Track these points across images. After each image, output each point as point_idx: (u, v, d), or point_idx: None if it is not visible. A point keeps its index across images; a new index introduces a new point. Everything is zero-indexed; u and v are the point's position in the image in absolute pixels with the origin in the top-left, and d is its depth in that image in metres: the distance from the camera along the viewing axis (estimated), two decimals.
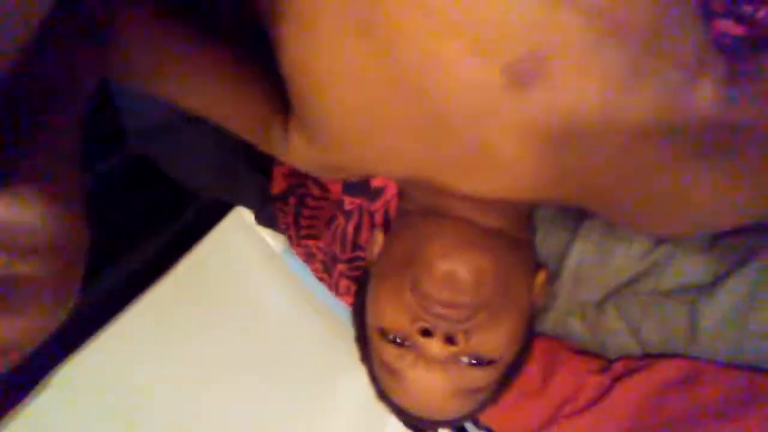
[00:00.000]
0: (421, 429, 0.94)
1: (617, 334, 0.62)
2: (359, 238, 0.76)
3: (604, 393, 0.63)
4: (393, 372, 0.56)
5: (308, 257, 0.84)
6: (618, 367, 0.63)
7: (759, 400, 0.53)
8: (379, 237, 0.63)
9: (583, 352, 0.67)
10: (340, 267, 0.79)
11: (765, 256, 0.52)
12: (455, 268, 0.50)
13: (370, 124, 0.43)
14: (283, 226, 0.82)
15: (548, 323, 0.68)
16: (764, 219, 0.41)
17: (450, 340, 0.51)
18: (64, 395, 0.81)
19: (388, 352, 0.55)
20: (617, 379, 0.63)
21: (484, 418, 0.85)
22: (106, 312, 0.83)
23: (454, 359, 0.53)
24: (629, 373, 0.62)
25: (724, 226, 0.44)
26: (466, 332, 0.51)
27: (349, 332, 0.71)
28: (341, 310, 0.91)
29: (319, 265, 0.83)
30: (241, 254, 1.04)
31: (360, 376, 0.69)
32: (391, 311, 0.54)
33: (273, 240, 1.06)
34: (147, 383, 0.86)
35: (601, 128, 0.39)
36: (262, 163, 0.77)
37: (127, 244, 0.84)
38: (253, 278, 1.06)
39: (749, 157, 0.38)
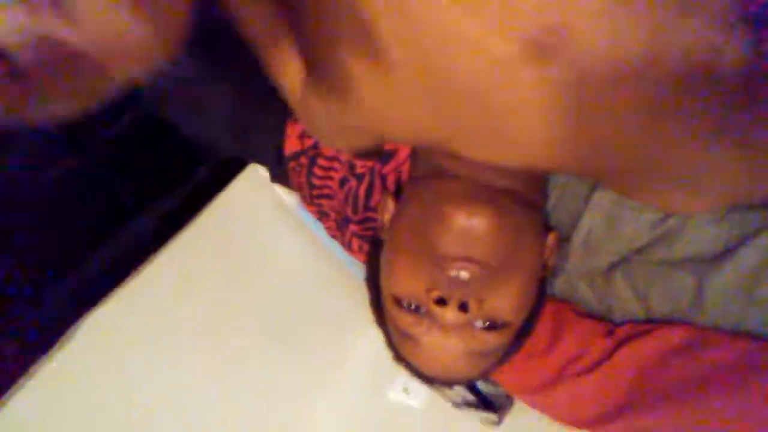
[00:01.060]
0: (436, 386, 0.97)
1: (624, 300, 0.63)
2: (371, 201, 0.76)
3: (608, 355, 0.64)
4: (408, 337, 0.58)
5: (321, 215, 0.85)
6: (623, 331, 0.64)
7: (762, 368, 0.54)
8: (390, 203, 0.64)
9: (589, 315, 0.68)
10: (353, 227, 0.80)
11: None
12: (470, 220, 0.51)
13: (388, 85, 0.44)
14: (296, 186, 0.82)
15: (557, 287, 0.69)
16: None
17: (464, 307, 0.52)
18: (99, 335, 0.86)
19: (403, 319, 0.57)
20: (622, 343, 0.64)
21: (493, 375, 0.88)
22: (123, 268, 0.86)
23: (469, 325, 0.54)
24: (634, 337, 0.63)
25: (738, 202, 0.43)
26: (479, 299, 0.52)
27: (362, 287, 0.73)
28: (355, 266, 0.93)
29: (332, 224, 0.84)
30: (256, 209, 1.06)
31: (369, 331, 0.72)
32: (405, 280, 0.55)
33: (287, 196, 1.07)
34: (165, 336, 0.90)
35: (621, 96, 0.38)
36: (276, 123, 0.77)
37: (141, 200, 0.86)
38: (268, 232, 1.08)
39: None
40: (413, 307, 0.55)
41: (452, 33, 0.38)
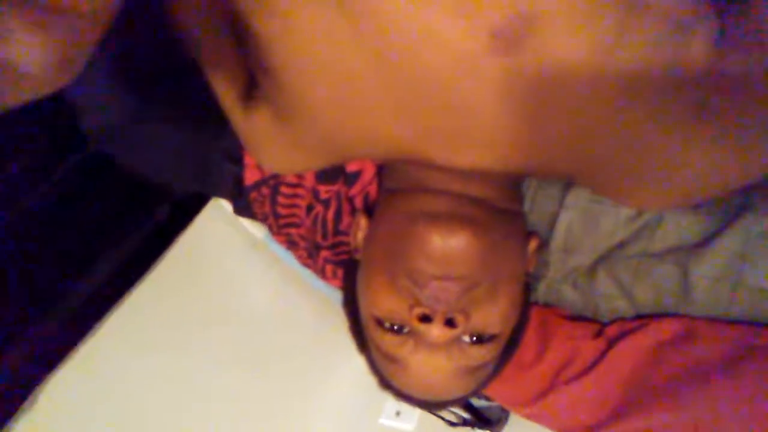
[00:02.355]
0: (427, 409, 0.94)
1: (610, 297, 0.62)
2: (340, 225, 0.73)
3: (601, 356, 0.63)
4: (394, 360, 0.54)
5: (291, 245, 0.81)
6: (612, 330, 0.63)
7: (754, 354, 0.53)
8: (362, 221, 0.61)
9: (576, 318, 0.66)
10: (324, 253, 0.77)
11: (753, 213, 0.51)
12: (448, 241, 0.48)
13: (349, 96, 0.42)
14: (261, 216, 0.79)
15: (540, 292, 0.67)
16: (753, 181, 0.39)
17: (450, 322, 0.49)
18: (59, 399, 0.80)
19: (387, 341, 0.53)
20: (612, 342, 0.62)
21: (485, 391, 0.85)
22: (87, 318, 0.81)
23: (456, 340, 0.52)
24: (624, 335, 0.61)
25: (713, 194, 0.42)
26: (464, 312, 0.50)
27: (341, 313, 0.70)
28: (331, 292, 0.90)
29: (302, 252, 0.81)
30: (223, 244, 1.02)
31: (354, 357, 0.68)
32: (385, 299, 0.52)
33: (254, 227, 1.04)
34: (140, 381, 0.85)
35: (590, 87, 0.37)
36: (233, 153, 0.74)
37: (101, 246, 0.82)
38: (238, 267, 1.04)
39: (740, 117, 0.36)
40: (396, 327, 0.52)
41: (415, 28, 0.36)
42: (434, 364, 0.52)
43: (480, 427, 0.93)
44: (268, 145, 0.55)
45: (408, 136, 0.44)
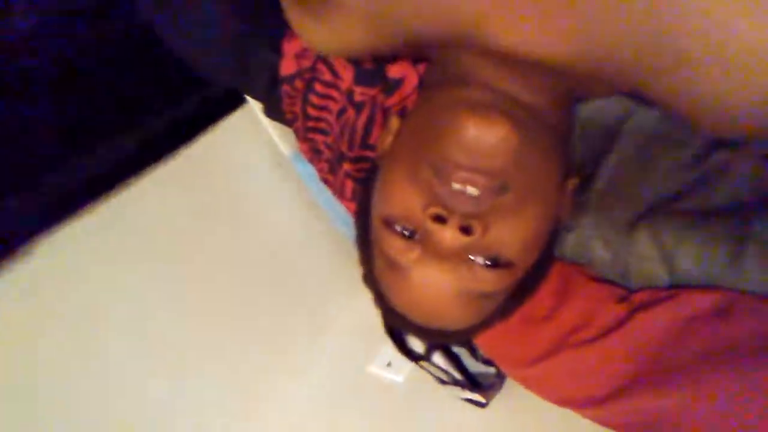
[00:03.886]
0: (421, 337, 0.89)
1: (646, 260, 0.55)
2: (369, 137, 0.69)
3: (619, 324, 0.57)
4: (396, 268, 0.49)
5: (314, 154, 0.77)
6: (639, 297, 0.56)
7: None
8: (395, 122, 0.56)
9: (601, 279, 0.60)
10: (347, 166, 0.72)
11: None
12: (484, 130, 0.43)
13: None
14: (290, 115, 0.75)
15: (568, 245, 0.61)
16: None
17: (465, 229, 0.44)
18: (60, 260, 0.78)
19: (393, 245, 0.48)
20: (636, 310, 0.56)
21: (484, 348, 0.80)
22: (101, 188, 0.78)
23: (467, 255, 0.46)
24: (652, 303, 0.55)
25: None
26: (484, 221, 0.44)
27: (349, 251, 0.65)
28: (346, 226, 0.86)
29: (324, 165, 0.77)
30: (248, 153, 0.99)
31: (353, 301, 0.64)
32: (401, 195, 0.47)
33: (283, 143, 1.00)
34: (129, 276, 0.82)
35: None
36: (273, 40, 0.69)
37: (123, 119, 0.79)
38: (257, 179, 1.01)
39: None
40: (406, 230, 0.47)
41: None
42: (438, 278, 0.47)
43: (470, 390, 0.89)
44: (317, 13, 0.51)
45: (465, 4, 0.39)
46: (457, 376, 0.91)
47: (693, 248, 0.52)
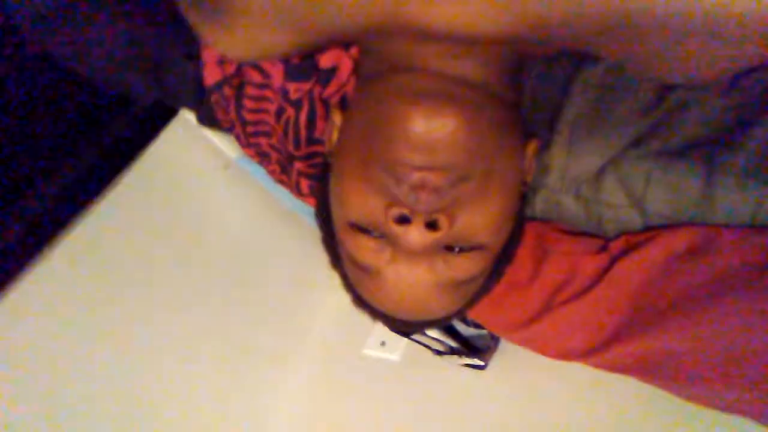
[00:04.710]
0: (407, 332, 0.88)
1: (617, 208, 0.54)
2: (314, 131, 0.65)
3: (602, 274, 0.56)
4: (369, 271, 0.48)
5: (262, 158, 0.73)
6: (617, 245, 0.56)
7: None
8: (337, 117, 0.52)
9: (576, 233, 0.59)
10: (298, 165, 0.69)
11: None
12: (432, 122, 0.40)
13: None
14: (226, 124, 0.70)
15: (537, 205, 0.59)
16: None
17: (431, 225, 0.42)
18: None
19: (362, 248, 0.46)
20: (616, 258, 0.56)
21: (474, 317, 0.79)
22: (37, 241, 0.73)
23: (438, 247, 0.45)
24: (631, 248, 0.55)
25: None
26: (449, 213, 0.42)
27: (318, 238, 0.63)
28: (308, 215, 0.83)
29: (275, 166, 0.73)
30: (191, 164, 0.93)
31: (337, 287, 0.62)
32: (359, 199, 0.45)
33: (225, 146, 0.95)
34: (95, 309, 0.78)
35: None
36: (189, 49, 0.64)
37: (52, 164, 0.73)
38: (209, 190, 0.96)
39: None
40: (372, 231, 0.45)
41: None
42: (414, 275, 0.45)
43: (467, 356, 0.89)
44: (224, 22, 0.46)
45: None
46: (453, 344, 0.91)
47: (661, 189, 0.51)
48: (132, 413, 0.84)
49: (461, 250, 0.45)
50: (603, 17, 0.34)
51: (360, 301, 0.54)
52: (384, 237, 0.45)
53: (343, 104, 0.60)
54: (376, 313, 0.54)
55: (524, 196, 0.53)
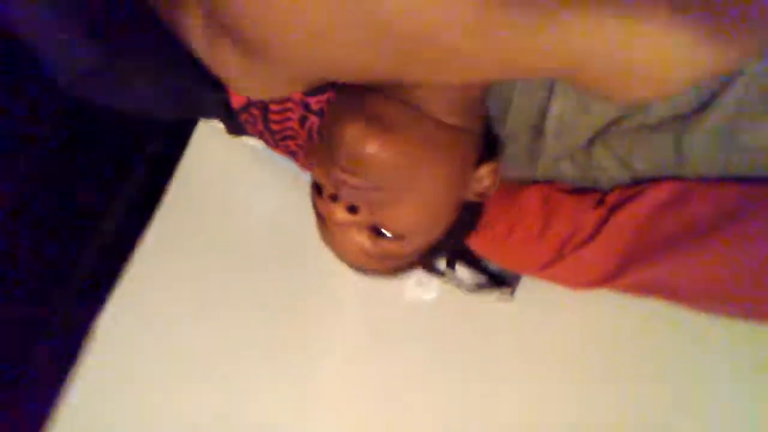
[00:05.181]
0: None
1: (608, 169, 0.63)
2: None
3: (602, 224, 0.66)
4: (321, 221, 0.59)
5: (291, 155, 0.82)
6: (612, 198, 0.65)
7: (748, 210, 0.56)
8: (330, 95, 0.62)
9: (577, 190, 0.69)
10: None
11: (744, 79, 0.51)
12: (359, 142, 0.49)
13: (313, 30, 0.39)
14: (255, 134, 0.79)
15: (538, 170, 0.69)
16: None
17: (352, 209, 0.53)
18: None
19: (318, 203, 0.58)
20: (613, 209, 0.65)
21: (493, 259, 0.90)
22: (115, 261, 0.85)
23: (363, 226, 0.55)
24: (624, 201, 0.64)
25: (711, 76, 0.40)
26: (368, 205, 0.53)
27: None
28: None
29: (304, 160, 0.82)
30: (225, 162, 1.02)
31: None
32: (317, 170, 0.56)
33: (250, 140, 1.03)
34: (175, 308, 0.91)
35: None
36: (216, 80, 0.71)
37: (106, 197, 0.83)
38: (244, 181, 1.05)
39: None
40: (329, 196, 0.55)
41: None
42: (345, 236, 0.56)
43: (495, 288, 1.01)
44: (241, 78, 0.54)
45: (379, 63, 0.42)
46: (481, 279, 1.02)
47: (642, 151, 0.60)
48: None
49: (382, 234, 0.55)
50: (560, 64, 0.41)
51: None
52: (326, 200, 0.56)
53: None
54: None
55: (478, 204, 0.61)
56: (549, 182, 0.70)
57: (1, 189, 0.73)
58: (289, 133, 0.77)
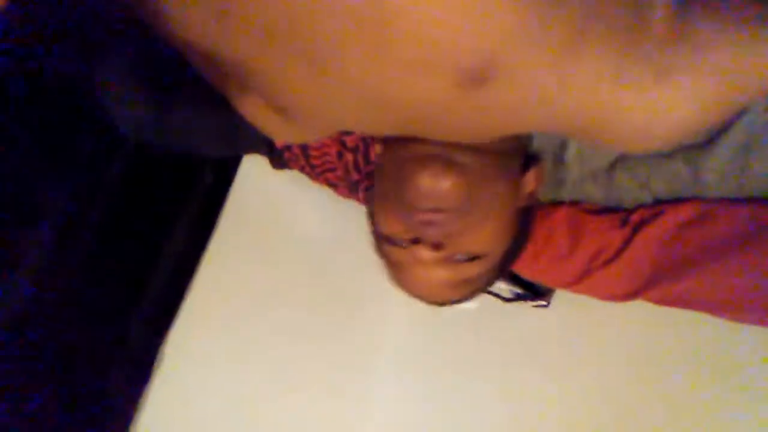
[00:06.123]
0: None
1: (629, 191, 0.67)
2: (370, 158, 0.79)
3: (627, 243, 0.69)
4: (399, 267, 0.63)
5: (331, 186, 0.89)
6: (635, 217, 0.69)
7: (761, 234, 0.58)
8: (378, 148, 0.67)
9: (602, 210, 0.72)
10: (363, 185, 0.84)
11: (755, 108, 0.53)
12: (436, 183, 0.53)
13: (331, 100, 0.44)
14: (298, 169, 0.86)
15: (565, 192, 0.72)
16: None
17: (437, 245, 0.57)
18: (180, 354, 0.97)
19: (393, 253, 0.62)
20: (636, 229, 0.68)
21: (529, 276, 0.94)
22: (180, 287, 0.94)
23: (448, 258, 0.59)
24: (647, 220, 0.67)
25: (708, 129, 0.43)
26: (451, 238, 0.57)
27: None
28: None
29: (344, 190, 0.88)
30: (273, 187, 1.10)
31: None
32: (387, 221, 0.60)
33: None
34: (239, 332, 0.99)
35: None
36: None
37: (166, 229, 0.92)
38: (291, 205, 1.13)
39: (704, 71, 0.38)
40: (399, 243, 0.60)
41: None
42: (428, 275, 0.60)
43: (532, 299, 1.04)
44: (275, 129, 0.60)
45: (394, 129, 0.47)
46: (518, 290, 1.06)
47: (662, 175, 0.63)
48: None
49: (465, 259, 0.59)
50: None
51: (396, 285, 0.69)
52: (404, 247, 0.60)
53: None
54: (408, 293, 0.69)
55: (528, 209, 0.65)
56: (575, 203, 0.73)
57: (80, 226, 0.82)
58: (328, 166, 0.83)
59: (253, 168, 1.08)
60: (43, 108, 0.80)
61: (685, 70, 0.38)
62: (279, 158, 0.84)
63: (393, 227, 0.59)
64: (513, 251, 0.65)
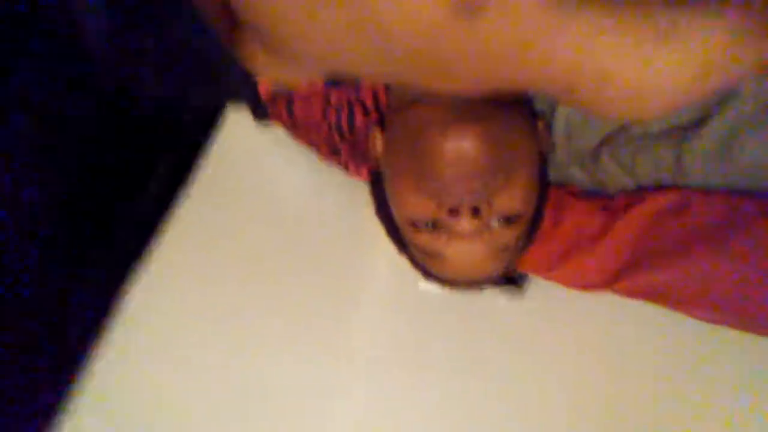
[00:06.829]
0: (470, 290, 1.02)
1: (613, 175, 0.65)
2: (354, 125, 0.77)
3: (608, 228, 0.68)
4: (432, 254, 0.60)
5: (312, 146, 0.86)
6: (617, 203, 0.67)
7: (743, 222, 0.57)
8: (377, 134, 0.64)
9: (585, 193, 0.70)
10: (344, 151, 0.81)
11: (741, 95, 0.52)
12: (461, 144, 0.51)
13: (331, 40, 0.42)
14: (280, 123, 0.83)
15: (551, 175, 0.70)
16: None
17: (475, 211, 0.54)
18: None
19: (423, 239, 0.59)
20: (618, 213, 0.67)
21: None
22: (147, 237, 0.90)
23: (485, 226, 0.56)
24: (628, 206, 0.66)
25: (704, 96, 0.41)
26: (487, 201, 0.54)
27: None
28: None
29: (325, 151, 0.86)
30: (252, 146, 1.07)
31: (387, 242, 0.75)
32: (415, 203, 0.57)
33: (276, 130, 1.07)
34: (202, 287, 0.96)
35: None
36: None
37: (149, 167, 0.89)
38: (271, 164, 1.09)
39: None
40: (430, 225, 0.57)
41: None
42: (468, 249, 0.57)
43: (507, 285, 1.02)
44: (267, 69, 0.57)
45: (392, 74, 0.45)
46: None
47: (645, 162, 0.61)
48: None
49: (502, 222, 0.57)
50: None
51: (428, 275, 0.67)
52: (437, 227, 0.58)
53: (377, 106, 0.71)
54: (442, 281, 0.67)
55: (545, 160, 0.63)
56: (559, 185, 0.72)
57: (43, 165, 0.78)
58: (311, 120, 0.80)
59: (235, 128, 1.05)
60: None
61: (687, 32, 0.36)
62: (262, 108, 0.80)
63: (421, 207, 0.56)
64: (539, 211, 0.62)
